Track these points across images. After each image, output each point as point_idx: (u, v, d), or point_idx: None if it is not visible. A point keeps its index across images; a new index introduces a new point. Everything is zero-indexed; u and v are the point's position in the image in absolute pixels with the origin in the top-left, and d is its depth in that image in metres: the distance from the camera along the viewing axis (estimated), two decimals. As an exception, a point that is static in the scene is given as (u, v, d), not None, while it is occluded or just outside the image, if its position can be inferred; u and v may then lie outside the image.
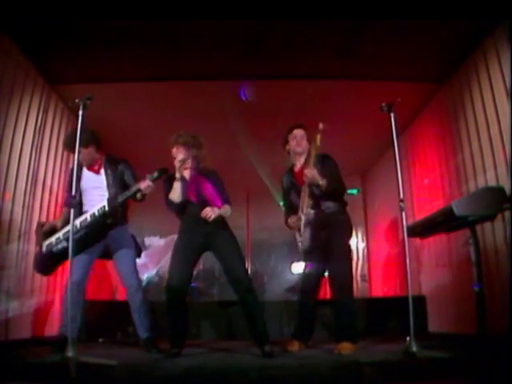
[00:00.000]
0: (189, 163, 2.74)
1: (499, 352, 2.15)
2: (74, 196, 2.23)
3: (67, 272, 3.07)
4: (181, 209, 2.71)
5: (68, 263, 2.79)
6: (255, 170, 5.79)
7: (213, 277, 6.62)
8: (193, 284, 6.12)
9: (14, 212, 3.28)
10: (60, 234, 2.79)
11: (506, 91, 2.96)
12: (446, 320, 3.82)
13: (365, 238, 6.69)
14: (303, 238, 2.83)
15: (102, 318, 3.91)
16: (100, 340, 3.69)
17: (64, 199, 3.18)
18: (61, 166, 4.05)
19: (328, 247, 2.78)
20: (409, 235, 2.38)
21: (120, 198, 2.75)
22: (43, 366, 2.10)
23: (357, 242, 6.73)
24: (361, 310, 3.80)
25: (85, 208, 2.87)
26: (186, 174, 2.74)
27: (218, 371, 2.10)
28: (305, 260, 2.99)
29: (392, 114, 2.37)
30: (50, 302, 3.74)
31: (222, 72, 3.76)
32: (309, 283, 2.94)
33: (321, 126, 2.78)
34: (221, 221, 2.72)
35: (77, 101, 2.21)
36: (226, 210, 2.71)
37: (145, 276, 6.80)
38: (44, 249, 2.80)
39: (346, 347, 2.56)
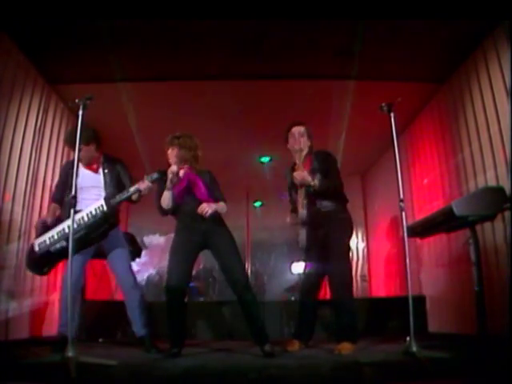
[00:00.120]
0: (184, 164, 2.74)
1: (499, 352, 2.15)
2: (75, 196, 2.21)
3: (62, 272, 3.08)
4: (170, 213, 2.73)
5: (62, 263, 2.83)
6: (255, 169, 5.79)
7: (212, 277, 6.62)
8: (192, 284, 6.15)
9: (14, 212, 3.28)
10: (54, 233, 2.72)
11: (506, 91, 2.96)
12: (446, 320, 3.82)
13: (365, 238, 6.69)
14: (301, 237, 2.84)
15: (102, 318, 3.91)
16: (100, 340, 3.68)
17: (52, 194, 3.06)
18: (61, 165, 4.04)
19: (327, 246, 2.77)
20: (409, 235, 2.37)
21: (118, 198, 2.74)
22: (43, 365, 2.10)
23: (357, 242, 6.73)
24: (361, 309, 3.80)
25: (79, 206, 2.85)
26: (181, 173, 2.74)
27: (217, 371, 2.10)
28: (304, 260, 2.99)
29: (392, 114, 2.37)
30: (48, 301, 3.73)
31: (222, 72, 3.76)
32: (309, 283, 2.94)
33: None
34: (218, 218, 2.73)
35: (77, 101, 2.21)
36: (221, 206, 2.73)
37: (145, 275, 6.81)
38: (37, 248, 2.73)
39: (346, 347, 2.56)
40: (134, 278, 2.96)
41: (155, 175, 2.70)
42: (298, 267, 6.77)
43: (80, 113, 2.21)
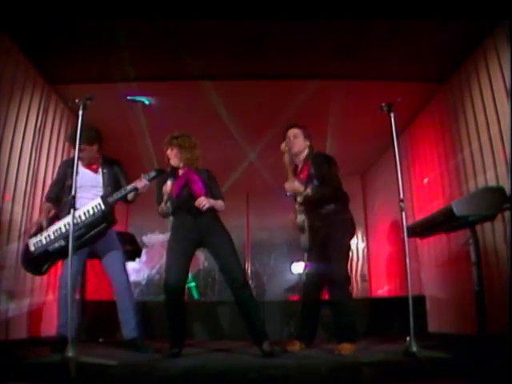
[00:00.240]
0: (183, 164, 2.75)
1: (499, 352, 2.15)
2: (74, 196, 2.21)
3: (58, 272, 3.07)
4: (170, 215, 2.76)
5: (59, 263, 2.82)
6: (255, 169, 5.79)
7: (212, 277, 6.62)
8: (191, 284, 6.15)
9: (14, 212, 3.27)
10: (50, 232, 2.70)
11: (506, 91, 2.96)
12: (446, 320, 3.82)
13: (365, 238, 6.68)
14: (302, 238, 2.86)
15: (102, 318, 3.90)
16: (100, 340, 3.68)
17: (46, 194, 3.04)
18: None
19: (326, 247, 2.77)
20: (409, 235, 2.37)
21: (115, 196, 2.74)
22: (43, 365, 2.10)
23: (357, 242, 6.73)
24: (361, 309, 3.80)
25: (77, 205, 2.83)
26: (180, 172, 2.75)
27: (217, 371, 2.10)
28: (306, 260, 2.99)
29: (392, 114, 2.37)
30: (45, 302, 3.72)
31: (222, 72, 3.76)
32: (310, 284, 2.93)
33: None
34: (215, 216, 2.74)
35: (77, 101, 2.22)
36: (219, 204, 2.74)
37: (145, 275, 6.80)
38: (32, 248, 2.71)
39: (346, 348, 2.56)
40: (128, 280, 2.95)
41: (153, 173, 2.70)
42: (298, 267, 6.77)
43: (80, 113, 2.22)
